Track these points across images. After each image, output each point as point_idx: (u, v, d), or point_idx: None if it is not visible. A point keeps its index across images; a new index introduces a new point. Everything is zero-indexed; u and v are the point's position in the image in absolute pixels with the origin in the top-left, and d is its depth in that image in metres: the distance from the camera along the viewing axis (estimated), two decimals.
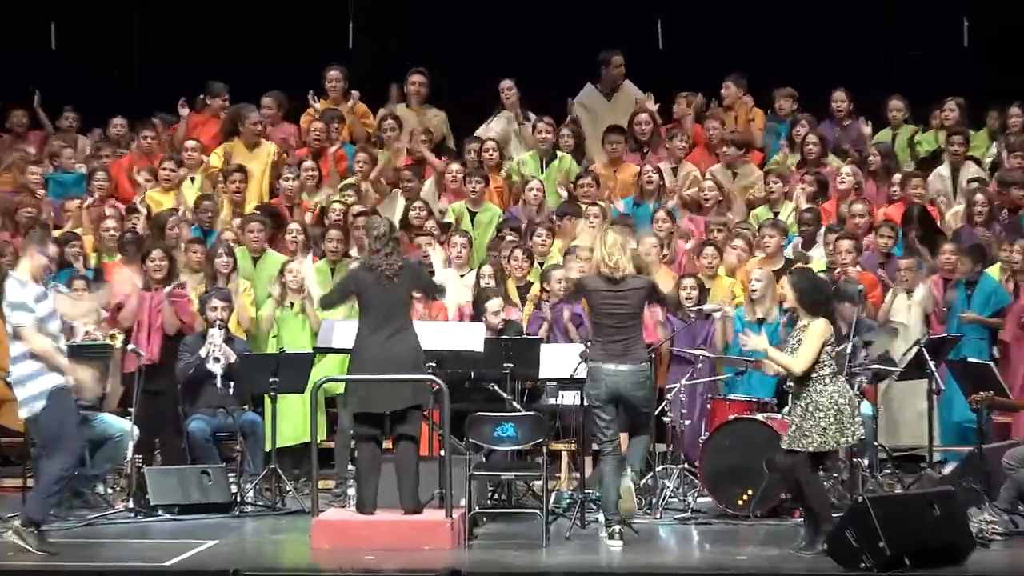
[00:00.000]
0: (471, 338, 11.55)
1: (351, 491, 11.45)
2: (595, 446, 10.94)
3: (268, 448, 12.16)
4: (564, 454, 12.30)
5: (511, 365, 11.66)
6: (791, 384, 10.36)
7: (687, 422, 12.00)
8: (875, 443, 12.06)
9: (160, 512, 11.65)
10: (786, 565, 9.95)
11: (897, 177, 14.45)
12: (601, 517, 10.83)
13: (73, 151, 15.39)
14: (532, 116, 15.54)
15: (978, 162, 14.79)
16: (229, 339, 12.34)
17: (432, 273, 11.21)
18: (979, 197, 13.78)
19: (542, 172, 14.93)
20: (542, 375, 11.68)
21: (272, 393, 12.03)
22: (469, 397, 11.67)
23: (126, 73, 16.29)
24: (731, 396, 12.16)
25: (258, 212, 14.13)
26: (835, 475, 11.45)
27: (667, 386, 12.18)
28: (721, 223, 13.90)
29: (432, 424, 11.16)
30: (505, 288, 13.03)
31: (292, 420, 12.72)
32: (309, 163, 14.75)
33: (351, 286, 10.86)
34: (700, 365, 12.26)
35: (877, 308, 13.03)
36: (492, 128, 15.58)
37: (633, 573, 10.10)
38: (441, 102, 15.89)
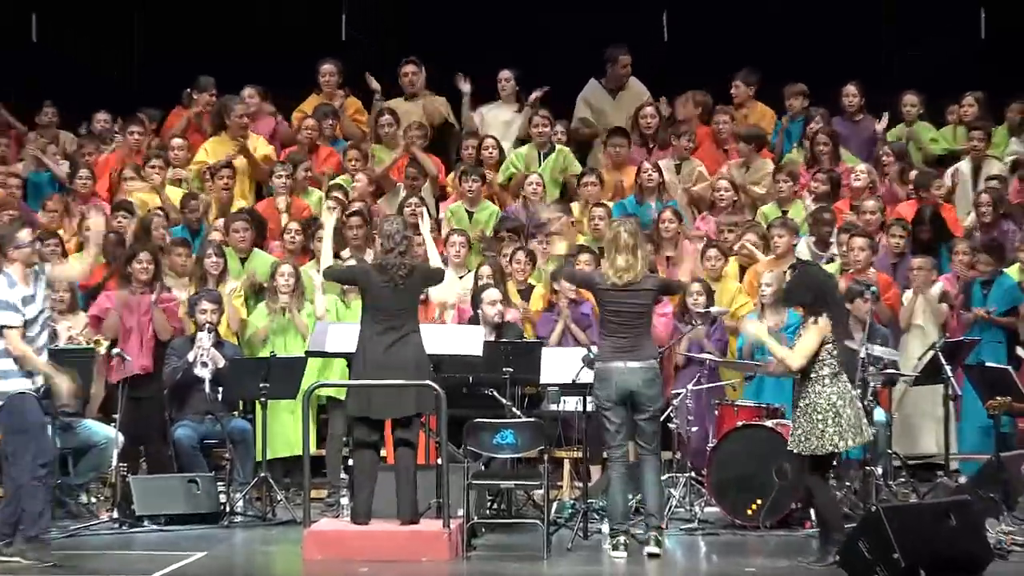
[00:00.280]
0: (469, 341, 11.55)
1: (344, 500, 11.46)
2: (604, 452, 10.93)
3: (258, 456, 12.15)
4: (566, 462, 12.31)
5: (511, 369, 11.67)
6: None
7: (694, 429, 12.00)
8: (889, 451, 12.07)
9: (146, 523, 11.65)
10: None
11: (913, 175, 14.45)
12: (605, 528, 10.85)
13: (55, 147, 15.40)
14: (526, 108, 15.54)
15: (997, 158, 14.81)
16: (218, 343, 12.36)
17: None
18: (984, 198, 13.78)
19: (539, 167, 14.93)
20: (543, 380, 11.66)
21: (262, 399, 12.03)
22: (467, 403, 11.65)
23: (126, 73, 16.39)
24: (739, 402, 12.17)
25: (243, 212, 14.12)
26: (848, 484, 11.47)
27: (673, 391, 12.19)
28: (733, 223, 13.90)
29: (429, 431, 11.17)
30: (505, 290, 13.04)
31: (283, 432, 12.72)
32: (304, 163, 14.77)
33: (358, 276, 10.94)
34: (707, 370, 12.27)
35: (893, 309, 13.03)
36: (488, 119, 15.59)
37: None
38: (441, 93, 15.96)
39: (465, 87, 15.69)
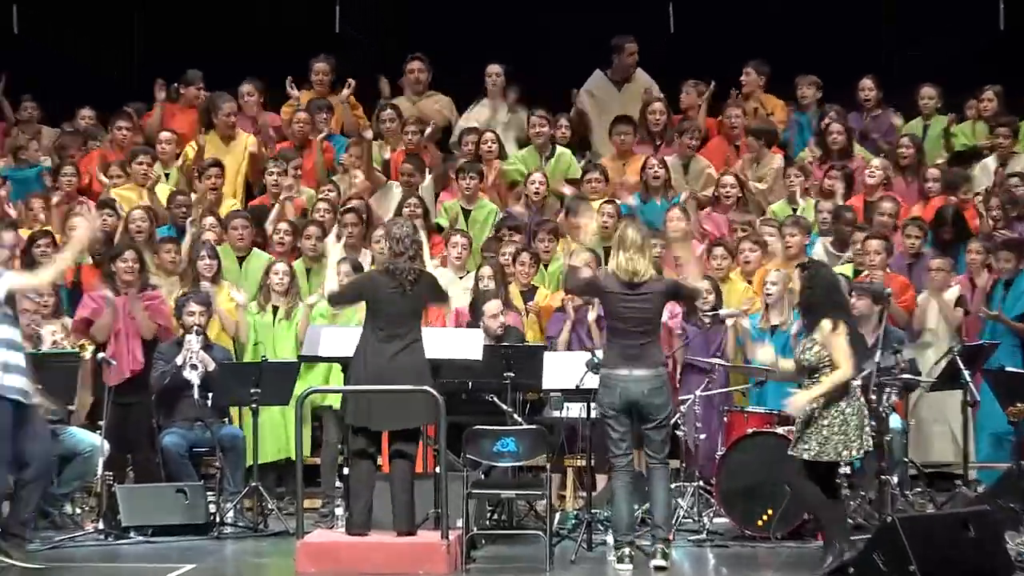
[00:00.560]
0: (469, 345, 11.54)
1: (339, 511, 11.46)
2: (609, 461, 10.92)
3: (249, 464, 12.15)
4: (569, 471, 12.32)
5: (512, 375, 11.67)
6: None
7: (702, 436, 11.99)
8: (905, 459, 12.06)
9: (132, 534, 11.64)
10: None
11: (933, 172, 14.41)
12: (610, 539, 10.84)
13: (38, 144, 15.40)
14: (518, 107, 15.55)
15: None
16: (207, 346, 12.34)
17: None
18: (993, 201, 13.75)
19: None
20: (545, 385, 11.66)
21: (253, 405, 12.02)
22: (466, 409, 11.66)
23: (126, 73, 16.46)
24: (749, 408, 12.15)
25: (241, 209, 14.11)
26: (863, 494, 11.46)
27: (680, 397, 12.18)
28: (746, 222, 13.88)
29: (427, 439, 11.15)
30: (506, 292, 13.03)
31: (275, 434, 12.73)
32: (296, 160, 14.77)
33: (366, 289, 10.86)
34: (716, 375, 12.27)
35: (909, 312, 13.03)
36: (473, 116, 15.60)
37: None
38: (444, 89, 16.01)
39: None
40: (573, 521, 11.64)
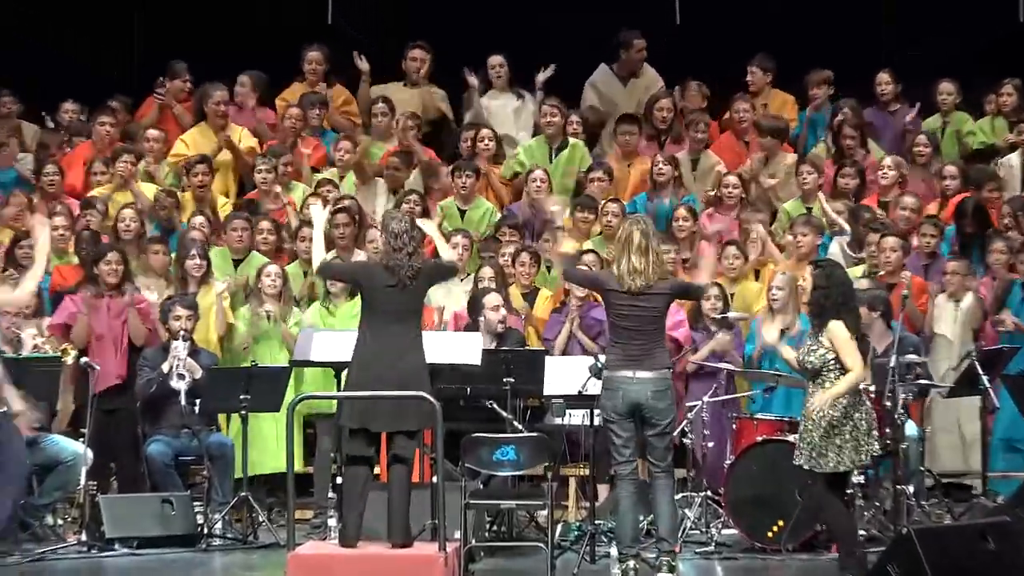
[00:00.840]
0: (467, 350, 11.50)
1: (332, 522, 11.42)
2: (612, 469, 10.90)
3: (238, 474, 12.12)
4: (572, 480, 12.29)
5: (512, 380, 11.62)
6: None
7: (710, 444, 11.98)
8: (921, 468, 12.04)
9: (116, 546, 11.62)
10: None
11: (950, 169, 14.36)
12: (613, 551, 10.80)
13: (16, 140, 15.38)
14: (525, 94, 15.54)
15: None
16: (194, 351, 12.31)
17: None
18: (1007, 208, 13.72)
19: (550, 162, 14.91)
20: (547, 391, 11.63)
21: (243, 412, 11.98)
22: (465, 416, 11.66)
23: (126, 73, 16.55)
24: (759, 415, 12.13)
25: (242, 211, 14.07)
26: (877, 504, 11.44)
27: (688, 404, 12.15)
28: (758, 221, 13.86)
29: (423, 446, 11.13)
30: (507, 293, 13.00)
31: (267, 447, 12.69)
32: (286, 156, 14.75)
33: (359, 275, 10.83)
34: (724, 381, 12.24)
35: (925, 315, 12.99)
36: (492, 111, 15.59)
37: None
38: (442, 85, 16.06)
39: (473, 81, 15.61)
40: (576, 533, 11.62)
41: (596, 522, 11.24)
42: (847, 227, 13.66)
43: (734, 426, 12.03)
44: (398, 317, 10.56)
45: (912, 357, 11.49)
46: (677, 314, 12.65)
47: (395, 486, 10.56)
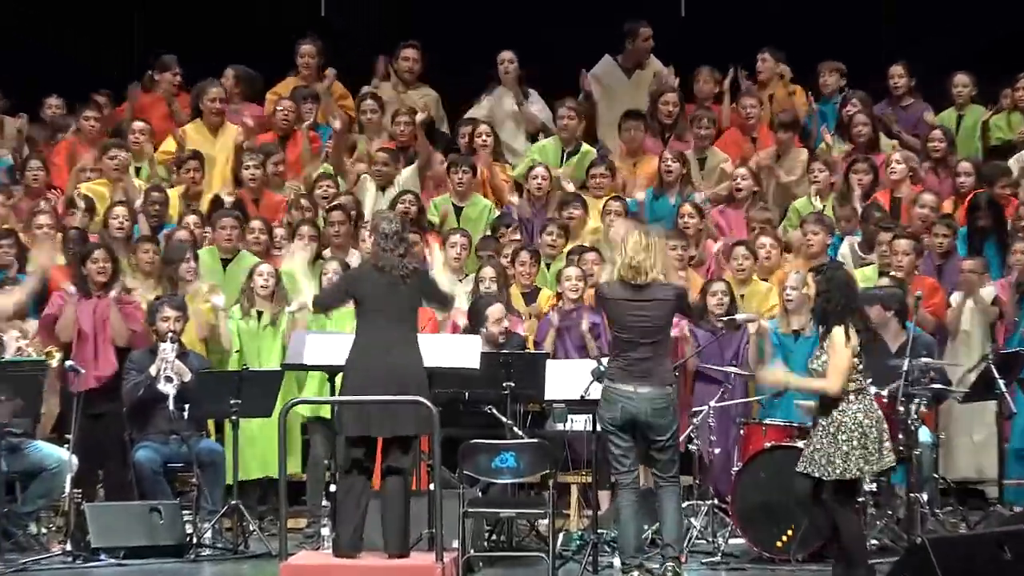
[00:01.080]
0: (465, 353, 11.45)
1: (325, 531, 11.39)
2: (612, 478, 10.87)
3: (229, 481, 12.09)
4: (574, 488, 12.26)
5: (512, 384, 11.59)
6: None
7: (717, 451, 11.94)
8: (935, 475, 12.00)
9: (102, 556, 11.59)
10: None
11: (965, 166, 14.31)
12: (617, 561, 10.78)
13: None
14: (532, 93, 15.51)
15: None
16: (183, 354, 12.26)
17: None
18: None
19: (560, 164, 14.89)
20: (548, 396, 11.59)
21: (233, 417, 11.94)
22: (463, 421, 11.64)
23: (126, 73, 16.65)
24: (767, 421, 12.09)
25: (231, 208, 14.02)
26: (890, 512, 11.41)
27: (693, 409, 12.11)
28: (765, 220, 13.82)
29: (420, 453, 11.09)
30: (508, 295, 12.96)
31: (259, 449, 12.66)
32: (277, 154, 14.70)
33: (351, 286, 10.79)
34: (731, 385, 12.20)
35: (938, 317, 12.95)
36: (482, 107, 15.55)
37: None
38: (436, 84, 16.06)
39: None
40: (577, 542, 11.59)
41: (599, 531, 11.22)
42: None
43: (742, 432, 12.00)
44: (394, 315, 10.55)
45: (927, 360, 11.44)
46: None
47: (392, 495, 10.55)
